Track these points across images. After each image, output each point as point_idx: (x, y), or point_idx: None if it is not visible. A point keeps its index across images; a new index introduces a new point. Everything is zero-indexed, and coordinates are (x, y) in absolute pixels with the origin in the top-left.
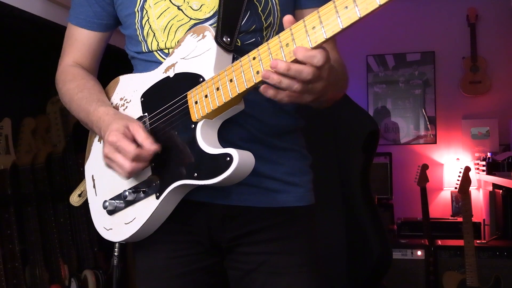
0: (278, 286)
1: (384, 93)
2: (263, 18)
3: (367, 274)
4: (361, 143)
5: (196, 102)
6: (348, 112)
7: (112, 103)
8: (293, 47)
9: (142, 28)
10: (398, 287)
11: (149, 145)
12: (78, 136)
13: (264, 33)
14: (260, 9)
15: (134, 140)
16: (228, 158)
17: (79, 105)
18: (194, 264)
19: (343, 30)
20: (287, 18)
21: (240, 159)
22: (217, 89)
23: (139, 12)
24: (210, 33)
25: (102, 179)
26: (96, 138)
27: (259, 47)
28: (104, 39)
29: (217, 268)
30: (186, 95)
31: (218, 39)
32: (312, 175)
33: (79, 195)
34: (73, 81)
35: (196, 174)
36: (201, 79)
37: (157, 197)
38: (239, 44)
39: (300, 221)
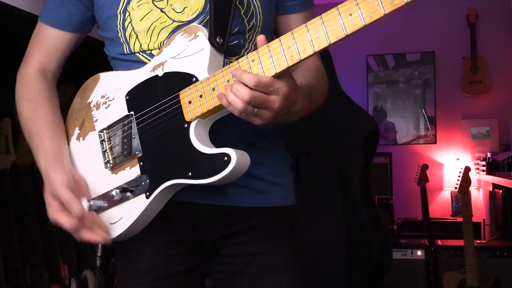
0: (265, 287)
1: (384, 93)
2: (245, 20)
3: (367, 274)
4: (361, 143)
5: (190, 102)
6: (348, 112)
7: (91, 101)
8: (296, 51)
9: (125, 30)
10: (398, 287)
11: (74, 209)
12: None
13: (247, 35)
14: (242, 11)
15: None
16: (226, 158)
17: (27, 138)
18: (177, 265)
19: (347, 37)
20: (260, 38)
21: (238, 158)
22: (213, 89)
23: (122, 14)
24: (203, 33)
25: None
26: (74, 137)
27: (259, 49)
28: (74, 41)
29: (201, 270)
30: (179, 94)
31: (211, 40)
32: (293, 176)
33: None
34: (26, 102)
35: (190, 173)
36: (194, 79)
37: (147, 197)
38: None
39: (284, 221)
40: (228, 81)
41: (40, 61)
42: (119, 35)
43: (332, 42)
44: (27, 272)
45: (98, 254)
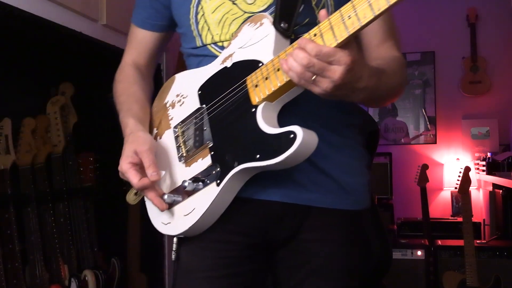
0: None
1: None
2: (316, 11)
3: (367, 274)
4: None
5: (256, 86)
6: None
7: (167, 102)
8: (356, 17)
9: (197, 23)
10: (398, 287)
11: (151, 173)
12: (78, 136)
13: None
14: (314, 2)
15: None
16: (292, 135)
17: (118, 108)
18: (240, 266)
19: None
20: (322, 13)
21: (304, 135)
22: (278, 69)
23: (195, 8)
24: (267, 20)
25: None
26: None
27: (320, 24)
28: (160, 39)
29: (262, 272)
30: (246, 80)
31: (276, 24)
32: (369, 176)
33: (135, 194)
34: (121, 82)
35: (258, 155)
36: (260, 64)
37: (218, 184)
38: (293, 37)
39: (353, 225)
40: None
41: (133, 57)
42: (192, 28)
43: (392, 3)
44: (27, 272)
45: (174, 249)
